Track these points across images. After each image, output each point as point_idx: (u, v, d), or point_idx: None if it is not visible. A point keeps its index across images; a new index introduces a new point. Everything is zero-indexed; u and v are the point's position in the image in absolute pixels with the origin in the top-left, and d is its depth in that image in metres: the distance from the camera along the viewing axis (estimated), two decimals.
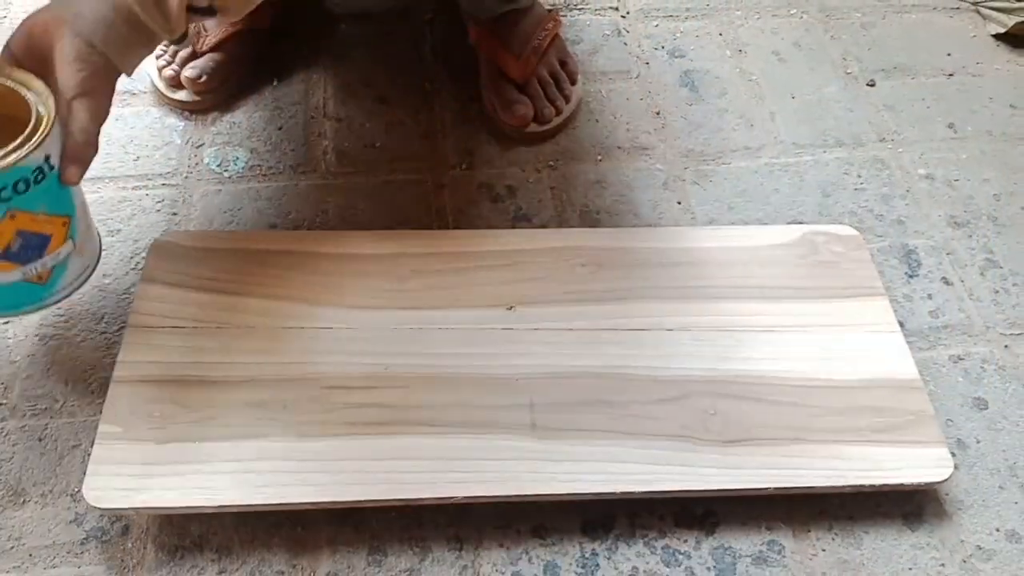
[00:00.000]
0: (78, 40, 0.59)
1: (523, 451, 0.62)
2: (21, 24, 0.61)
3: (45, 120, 0.58)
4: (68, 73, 0.59)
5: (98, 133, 0.61)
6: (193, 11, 0.61)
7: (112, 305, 0.73)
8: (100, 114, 0.62)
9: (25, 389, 0.68)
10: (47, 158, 0.58)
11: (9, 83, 0.60)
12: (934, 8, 1.02)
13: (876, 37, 0.99)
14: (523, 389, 0.65)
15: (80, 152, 0.60)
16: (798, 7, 1.02)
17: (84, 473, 0.60)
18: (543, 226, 0.80)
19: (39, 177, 0.58)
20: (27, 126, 0.57)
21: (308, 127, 0.87)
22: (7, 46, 0.62)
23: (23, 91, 0.59)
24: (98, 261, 0.67)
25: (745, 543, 0.63)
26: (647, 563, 0.62)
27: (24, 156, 0.56)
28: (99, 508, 0.59)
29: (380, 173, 0.84)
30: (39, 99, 0.59)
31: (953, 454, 0.65)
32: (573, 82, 0.89)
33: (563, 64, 0.89)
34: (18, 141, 0.56)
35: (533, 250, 0.74)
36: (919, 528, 0.64)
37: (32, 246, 0.60)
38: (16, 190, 0.57)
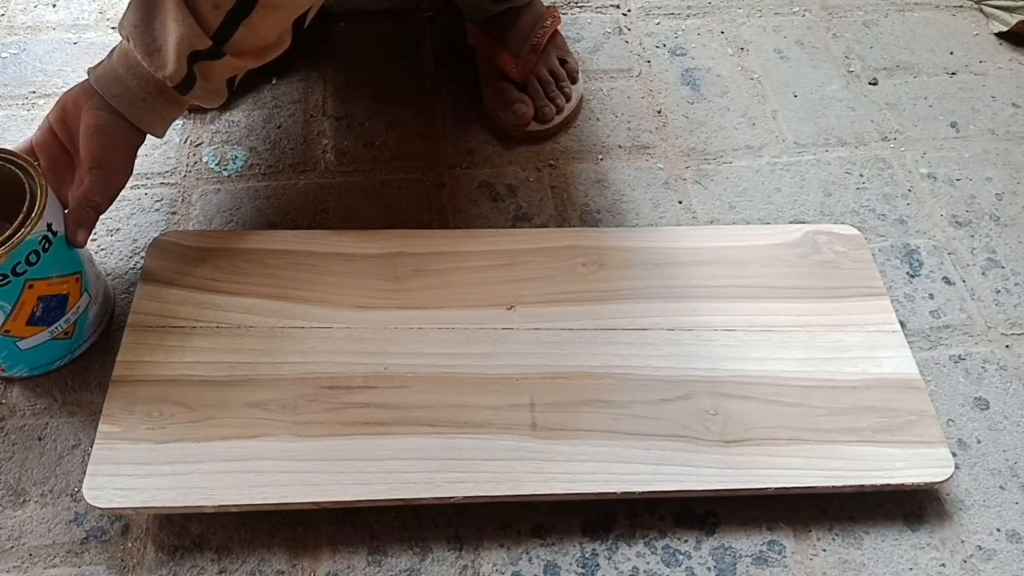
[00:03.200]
0: (99, 112, 0.65)
1: (523, 451, 0.62)
2: (59, 98, 0.67)
3: (39, 192, 0.63)
4: (87, 146, 0.66)
5: (109, 202, 0.67)
6: (197, 57, 0.63)
7: (112, 304, 0.73)
8: (112, 185, 0.68)
9: (25, 389, 0.68)
10: (49, 226, 0.63)
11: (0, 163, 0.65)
12: (937, 6, 1.02)
13: (878, 35, 0.99)
14: (523, 389, 0.65)
15: (86, 219, 0.66)
16: (800, 5, 1.01)
17: (84, 473, 0.60)
18: (543, 225, 0.80)
19: (46, 246, 0.63)
20: (20, 202, 0.62)
21: (307, 126, 0.87)
22: (45, 120, 0.68)
23: (12, 169, 0.64)
24: (113, 305, 0.73)
25: (746, 543, 0.63)
26: (647, 563, 0.62)
27: (30, 230, 0.61)
28: (99, 508, 0.59)
29: (380, 172, 0.84)
30: (27, 175, 0.63)
31: (954, 454, 0.64)
32: (573, 80, 0.88)
33: (563, 62, 0.88)
34: (20, 219, 0.61)
35: (533, 249, 0.74)
36: (920, 528, 0.64)
37: (53, 307, 0.65)
38: (29, 262, 0.62)
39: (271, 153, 0.85)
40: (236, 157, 0.84)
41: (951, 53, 0.97)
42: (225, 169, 0.83)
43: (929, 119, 0.91)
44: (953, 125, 0.90)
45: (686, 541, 0.63)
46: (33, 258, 0.62)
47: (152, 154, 0.84)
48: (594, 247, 0.74)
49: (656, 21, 0.99)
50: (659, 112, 0.90)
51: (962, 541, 0.63)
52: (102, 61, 0.66)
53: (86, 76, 0.67)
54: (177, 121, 0.87)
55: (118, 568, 0.60)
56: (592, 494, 0.61)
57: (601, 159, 0.86)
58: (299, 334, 0.68)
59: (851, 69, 0.95)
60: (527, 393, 0.65)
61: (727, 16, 1.00)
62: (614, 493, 0.61)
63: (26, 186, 0.63)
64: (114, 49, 0.66)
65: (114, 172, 0.67)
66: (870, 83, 0.94)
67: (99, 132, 0.65)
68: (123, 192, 0.81)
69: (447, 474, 0.61)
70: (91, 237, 0.77)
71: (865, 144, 0.88)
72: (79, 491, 0.62)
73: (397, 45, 0.95)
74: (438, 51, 0.94)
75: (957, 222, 0.82)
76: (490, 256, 0.74)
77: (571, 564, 0.61)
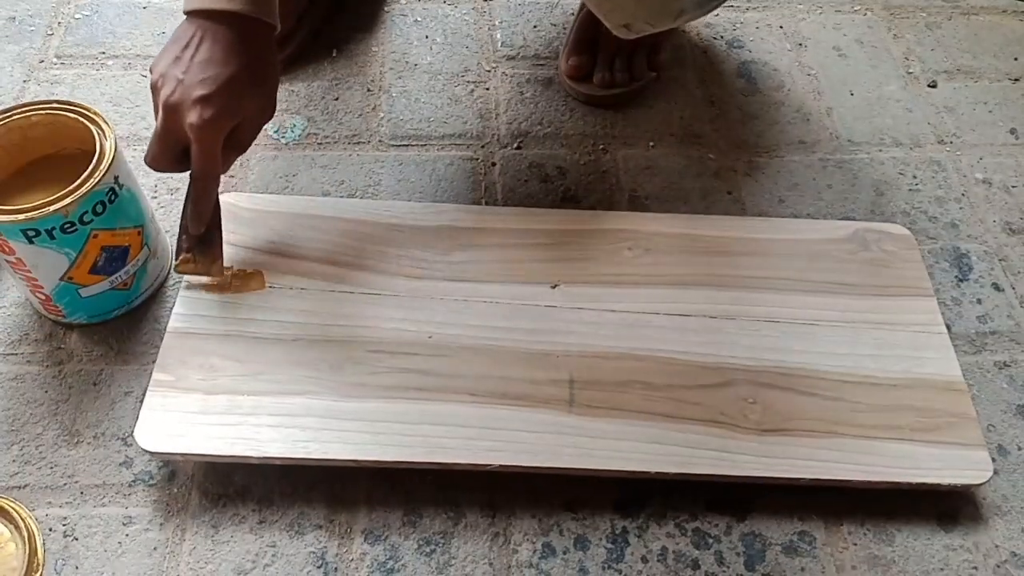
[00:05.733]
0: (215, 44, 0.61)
1: (560, 425, 0.63)
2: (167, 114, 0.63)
3: (109, 146, 0.65)
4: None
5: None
6: None
7: (169, 260, 0.76)
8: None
9: (83, 335, 0.71)
10: (116, 179, 0.65)
11: (71, 115, 0.67)
12: (1003, 11, 1.00)
13: (940, 37, 0.97)
14: (563, 365, 0.66)
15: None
16: (862, 4, 1.00)
17: (135, 419, 0.63)
18: (591, 208, 0.81)
19: (112, 197, 0.65)
20: (92, 156, 0.64)
21: (365, 99, 0.89)
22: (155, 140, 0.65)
23: (86, 123, 0.66)
24: (170, 262, 0.75)
25: (776, 532, 0.63)
26: (677, 544, 0.62)
27: (98, 182, 0.63)
28: (149, 451, 0.61)
29: (433, 148, 0.85)
30: (99, 129, 0.66)
31: (993, 459, 0.64)
32: (652, 69, 0.89)
33: (656, 51, 0.89)
34: (89, 170, 0.63)
35: (580, 231, 0.75)
36: (953, 530, 0.63)
37: (115, 258, 0.68)
38: (95, 212, 0.64)
39: (328, 124, 0.87)
40: (294, 126, 0.86)
41: (1015, 59, 0.95)
42: (283, 137, 0.85)
43: (988, 124, 0.89)
44: (1012, 132, 0.89)
45: (716, 525, 0.63)
46: (99, 208, 0.64)
47: None
48: (641, 232, 0.75)
49: (714, 12, 0.98)
50: (712, 103, 0.90)
51: (996, 546, 0.63)
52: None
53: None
54: None
55: (163, 512, 0.63)
56: (626, 472, 0.62)
57: (652, 146, 0.86)
58: (348, 298, 0.69)
59: (910, 71, 0.94)
60: (567, 370, 0.66)
61: (787, 11, 0.99)
62: (648, 472, 0.62)
63: (95, 138, 0.65)
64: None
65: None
66: (929, 85, 0.93)
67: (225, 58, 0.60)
68: None
69: (484, 442, 0.62)
70: (152, 195, 0.80)
71: (920, 146, 0.87)
72: (130, 435, 0.64)
73: (457, 25, 0.96)
74: (499, 30, 0.95)
75: (1011, 229, 0.81)
76: (537, 235, 0.75)
77: (601, 539, 0.62)
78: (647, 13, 0.68)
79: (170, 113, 0.61)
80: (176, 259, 0.69)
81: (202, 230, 0.67)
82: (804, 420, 0.64)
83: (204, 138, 0.61)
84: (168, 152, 0.63)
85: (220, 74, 0.60)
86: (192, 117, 0.60)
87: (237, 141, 0.64)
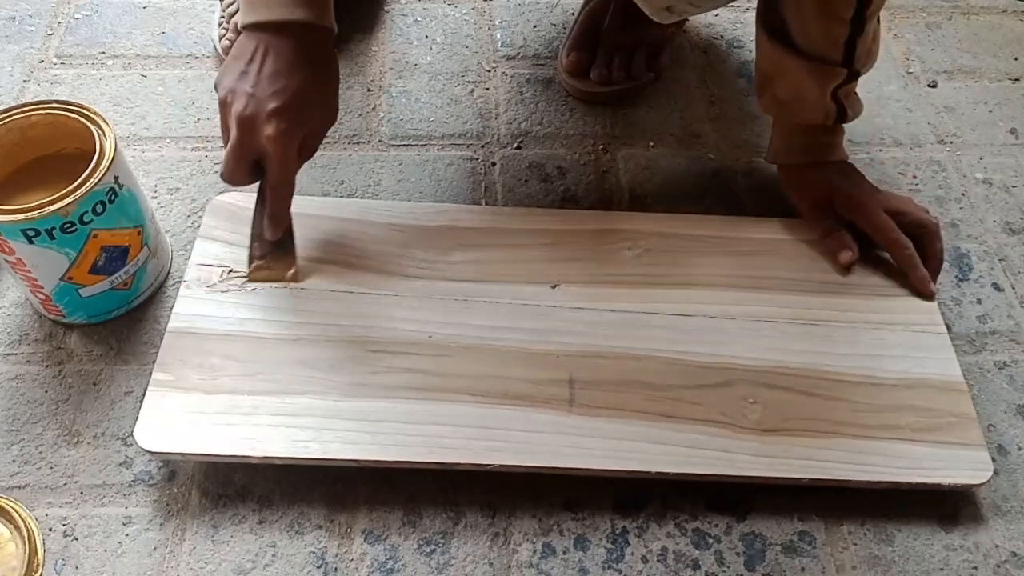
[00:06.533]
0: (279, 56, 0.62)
1: (560, 425, 0.63)
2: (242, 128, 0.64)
3: (109, 146, 0.65)
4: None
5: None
6: None
7: (169, 260, 0.76)
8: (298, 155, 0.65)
9: (83, 335, 0.71)
10: (116, 179, 0.65)
11: (71, 115, 0.67)
12: (1003, 11, 1.00)
13: (940, 38, 0.97)
14: (563, 365, 0.66)
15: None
16: None
17: (135, 418, 0.63)
18: (591, 208, 0.81)
19: (112, 197, 0.65)
20: (92, 156, 0.64)
21: (365, 99, 0.89)
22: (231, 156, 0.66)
23: (86, 123, 0.66)
24: (170, 261, 0.75)
25: (776, 532, 0.63)
26: (677, 544, 0.62)
27: (98, 182, 0.63)
28: (149, 451, 0.61)
29: (433, 148, 0.85)
30: (99, 129, 0.66)
31: (993, 459, 0.64)
32: (651, 70, 0.89)
33: (657, 52, 0.89)
34: (88, 170, 0.63)
35: (580, 231, 0.75)
36: (953, 530, 0.63)
37: (115, 258, 0.68)
38: (95, 212, 0.64)
39: None
40: None
41: (1015, 59, 0.95)
42: None
43: (988, 124, 0.89)
44: (1012, 131, 0.89)
45: (716, 525, 0.63)
46: (99, 208, 0.64)
47: (214, 118, 0.86)
48: (641, 231, 0.75)
49: (714, 13, 0.98)
50: (712, 103, 0.90)
51: (996, 546, 0.63)
52: (243, 28, 0.63)
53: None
54: None
55: (163, 512, 0.63)
56: (626, 471, 0.62)
57: (652, 146, 0.86)
58: (348, 298, 0.69)
59: (910, 70, 0.94)
60: (567, 370, 0.66)
61: None
62: (648, 472, 0.62)
63: (95, 138, 0.65)
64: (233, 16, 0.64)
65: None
66: (929, 85, 0.93)
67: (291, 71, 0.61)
68: (184, 153, 0.84)
69: (484, 442, 0.62)
70: (152, 195, 0.80)
71: (920, 146, 0.87)
72: (130, 435, 0.64)
73: (457, 24, 0.96)
74: (499, 30, 0.95)
75: (1011, 229, 0.81)
76: (537, 235, 0.75)
77: (601, 539, 0.62)
78: None
79: (245, 127, 0.62)
80: (248, 266, 0.69)
81: (280, 235, 0.68)
82: (804, 420, 0.64)
83: (281, 148, 0.62)
84: (244, 165, 0.64)
85: (290, 84, 0.61)
86: (268, 129, 0.61)
87: (307, 147, 0.66)
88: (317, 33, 0.63)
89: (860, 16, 0.67)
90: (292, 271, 0.69)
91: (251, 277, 0.69)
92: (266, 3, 0.61)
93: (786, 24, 0.71)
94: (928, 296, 0.71)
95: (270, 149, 0.62)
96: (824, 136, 0.75)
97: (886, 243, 0.72)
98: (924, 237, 0.72)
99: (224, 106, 0.63)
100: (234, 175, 0.64)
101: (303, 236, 0.72)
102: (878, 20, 0.70)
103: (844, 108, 0.72)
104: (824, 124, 0.74)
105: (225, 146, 0.64)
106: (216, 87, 0.64)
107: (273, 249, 0.69)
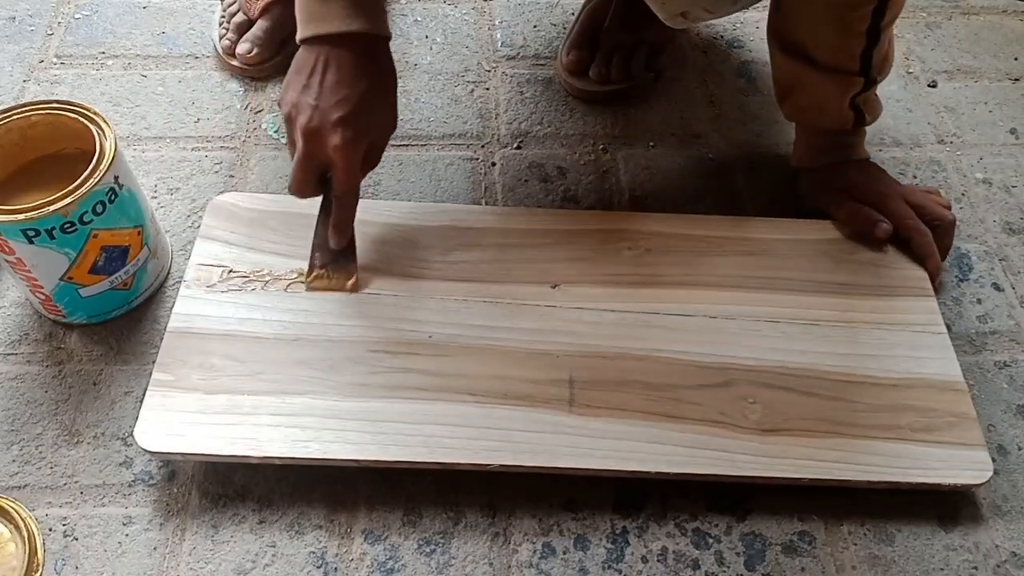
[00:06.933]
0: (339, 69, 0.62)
1: (560, 425, 0.63)
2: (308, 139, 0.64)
3: (109, 146, 0.65)
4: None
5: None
6: None
7: (169, 260, 0.76)
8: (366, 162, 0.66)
9: (83, 335, 0.71)
10: (116, 179, 0.65)
11: (71, 115, 0.67)
12: (1003, 11, 1.00)
13: (940, 38, 0.97)
14: (563, 365, 0.66)
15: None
16: None
17: (135, 419, 0.63)
18: (591, 208, 0.81)
19: (112, 197, 0.65)
20: (92, 156, 0.64)
21: None
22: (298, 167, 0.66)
23: (86, 123, 0.66)
24: (170, 261, 0.75)
25: (776, 532, 0.63)
26: (677, 544, 0.62)
27: (98, 182, 0.63)
28: (149, 451, 0.61)
29: (433, 148, 0.85)
30: (99, 129, 0.66)
31: (993, 459, 0.64)
32: (651, 71, 0.89)
33: (657, 51, 0.89)
34: (88, 170, 0.63)
35: (580, 231, 0.75)
36: (953, 530, 0.63)
37: (115, 258, 0.68)
38: (95, 212, 0.64)
39: None
40: None
41: (1015, 59, 0.95)
42: (283, 136, 0.85)
43: (988, 124, 0.89)
44: (1012, 131, 0.89)
45: (716, 525, 0.63)
46: (99, 208, 0.64)
47: (213, 119, 0.86)
48: (641, 231, 0.75)
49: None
50: (712, 103, 0.90)
51: (996, 546, 0.63)
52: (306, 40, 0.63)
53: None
54: (239, 88, 0.89)
55: (163, 512, 0.63)
56: (625, 471, 0.62)
57: (652, 146, 0.86)
58: (347, 298, 0.69)
59: (910, 70, 0.94)
60: (567, 370, 0.66)
61: None
62: (647, 472, 0.62)
63: (95, 138, 0.65)
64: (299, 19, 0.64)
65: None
66: (929, 85, 0.93)
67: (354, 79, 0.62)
68: (184, 153, 0.84)
69: (484, 442, 0.62)
70: (152, 195, 0.80)
71: (920, 146, 0.87)
72: (130, 436, 0.64)
73: (457, 24, 0.96)
74: (499, 30, 0.95)
75: (1011, 229, 0.81)
76: (537, 235, 0.75)
77: (601, 539, 0.62)
78: (709, 0, 0.68)
79: (311, 139, 0.62)
80: (308, 275, 0.69)
81: (344, 245, 0.68)
82: (804, 420, 0.64)
83: (346, 157, 0.63)
84: (311, 177, 0.65)
85: (352, 93, 0.62)
86: (335, 140, 0.61)
87: (370, 156, 0.66)
88: (375, 41, 0.64)
89: (875, 28, 0.68)
90: (352, 280, 0.69)
91: (310, 286, 0.69)
92: (324, 16, 0.61)
93: (799, 38, 0.71)
94: (934, 273, 0.73)
95: (336, 159, 0.63)
96: (846, 138, 0.77)
97: (905, 230, 0.73)
98: (937, 231, 0.74)
99: (289, 121, 0.63)
100: (301, 187, 0.65)
101: (303, 236, 0.72)
102: (893, 27, 0.71)
103: (863, 113, 0.74)
104: (844, 129, 0.75)
105: (292, 159, 0.65)
106: (279, 104, 0.64)
107: (335, 259, 0.69)
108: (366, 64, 0.63)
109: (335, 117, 0.61)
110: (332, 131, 0.62)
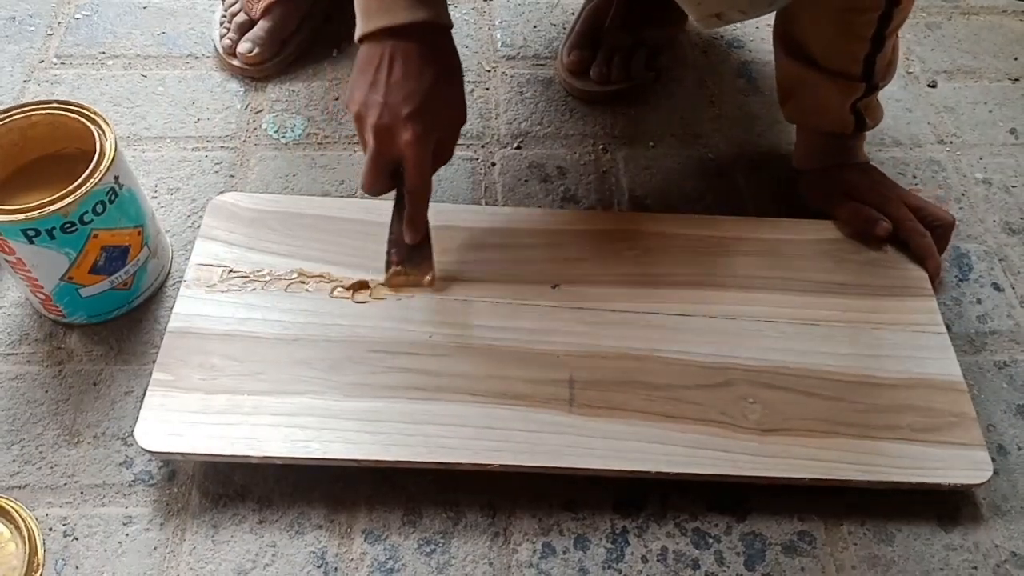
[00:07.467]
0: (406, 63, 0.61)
1: (560, 425, 0.63)
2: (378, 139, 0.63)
3: (109, 146, 0.65)
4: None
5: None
6: None
7: (169, 260, 0.76)
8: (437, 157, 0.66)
9: (83, 335, 0.71)
10: (116, 179, 0.65)
11: (71, 115, 0.67)
12: (1003, 11, 1.00)
13: (940, 38, 0.97)
14: (563, 365, 0.66)
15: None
16: None
17: (135, 418, 0.62)
18: (591, 208, 0.81)
19: (112, 197, 0.65)
20: (92, 156, 0.64)
21: None
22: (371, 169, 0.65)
23: (86, 123, 0.66)
24: (170, 261, 0.75)
25: (776, 531, 0.63)
26: (677, 544, 0.62)
27: (98, 181, 0.63)
28: (149, 451, 0.61)
29: None
30: (99, 129, 0.66)
31: (993, 459, 0.64)
32: (652, 70, 0.89)
33: (656, 53, 0.89)
34: (89, 170, 0.63)
35: (580, 231, 0.75)
36: (953, 530, 0.63)
37: (115, 258, 0.68)
38: (95, 212, 0.64)
39: (328, 124, 0.87)
40: (295, 125, 0.86)
41: (1015, 59, 0.95)
42: (283, 136, 0.85)
43: (988, 124, 0.89)
44: (1012, 132, 0.89)
45: (716, 525, 0.63)
46: (99, 208, 0.64)
47: (214, 118, 0.86)
48: (640, 231, 0.75)
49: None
50: (712, 103, 0.90)
51: (996, 546, 0.63)
52: (369, 36, 0.62)
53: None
54: (239, 88, 0.89)
55: (163, 512, 0.63)
56: (626, 471, 0.62)
57: (652, 146, 0.86)
58: (348, 298, 0.69)
59: (910, 70, 0.94)
60: (567, 370, 0.66)
61: None
62: (647, 472, 0.62)
63: (95, 138, 0.65)
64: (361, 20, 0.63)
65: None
66: (929, 85, 0.93)
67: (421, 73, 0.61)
68: (184, 153, 0.84)
69: (484, 442, 0.62)
70: (152, 195, 0.80)
71: (920, 146, 0.88)
72: (130, 435, 0.64)
73: (457, 24, 0.96)
74: (498, 30, 0.95)
75: (1011, 229, 0.81)
76: (537, 235, 0.74)
77: (601, 539, 0.62)
78: (744, 1, 0.68)
79: (383, 136, 0.62)
80: (386, 272, 0.69)
81: (419, 239, 0.68)
82: (804, 420, 0.64)
83: (418, 152, 0.62)
84: (383, 174, 0.64)
85: (420, 87, 0.61)
86: (406, 135, 0.61)
87: (441, 149, 0.66)
88: (438, 31, 0.63)
89: (880, 34, 0.68)
90: (430, 276, 0.69)
91: (389, 283, 0.69)
92: (385, 8, 0.61)
93: (804, 41, 0.71)
94: (934, 273, 0.73)
95: (407, 154, 0.62)
96: (847, 141, 0.77)
97: (905, 231, 0.73)
98: (936, 232, 0.74)
99: (359, 120, 0.63)
100: (374, 185, 0.65)
101: (303, 236, 0.73)
102: (897, 34, 0.71)
103: (864, 118, 0.74)
104: (844, 133, 0.75)
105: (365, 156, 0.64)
106: (347, 105, 0.64)
107: (411, 255, 0.69)
108: (432, 55, 0.62)
109: (405, 112, 0.61)
110: (403, 127, 0.61)
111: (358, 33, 0.62)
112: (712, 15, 0.69)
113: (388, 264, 0.70)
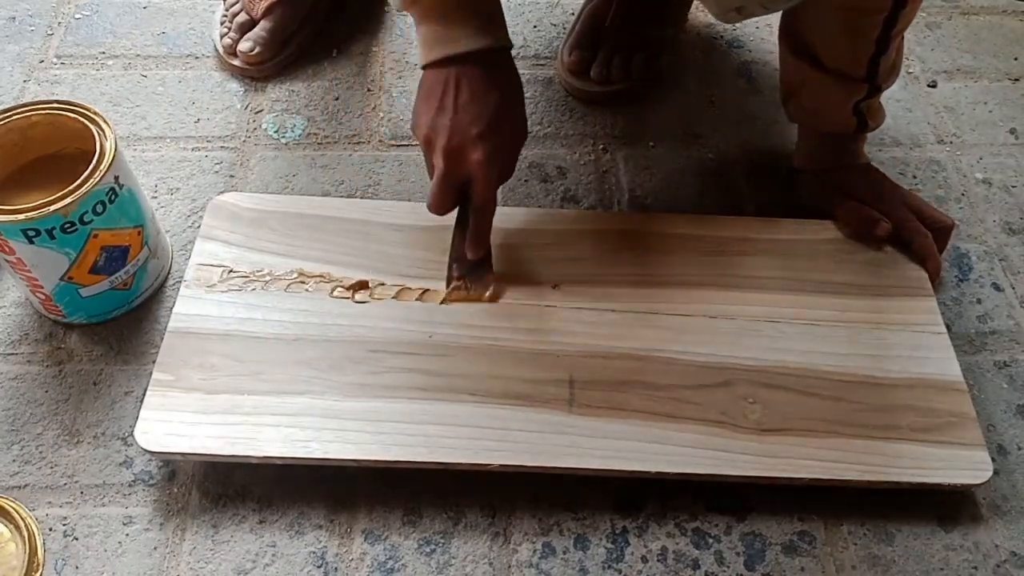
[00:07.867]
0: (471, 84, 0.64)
1: (560, 425, 0.63)
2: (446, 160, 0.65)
3: (109, 146, 0.65)
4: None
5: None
6: None
7: (169, 260, 0.76)
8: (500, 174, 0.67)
9: (83, 335, 0.71)
10: (116, 179, 0.65)
11: (71, 115, 0.67)
12: (1003, 11, 1.00)
13: (940, 38, 0.97)
14: (563, 365, 0.66)
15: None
16: None
17: (136, 418, 0.63)
18: (591, 208, 0.81)
19: (112, 197, 0.65)
20: (92, 156, 0.64)
21: (365, 99, 0.89)
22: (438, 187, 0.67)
23: (86, 123, 0.66)
24: (170, 261, 0.75)
25: (776, 531, 0.63)
26: (677, 544, 0.62)
27: (98, 182, 0.63)
28: (149, 451, 0.61)
29: None
30: (99, 129, 0.66)
31: (993, 459, 0.64)
32: (652, 70, 0.89)
33: (655, 56, 0.89)
34: (89, 170, 0.63)
35: (580, 231, 0.75)
36: (953, 530, 0.63)
37: (115, 258, 0.68)
38: (95, 212, 0.64)
39: (328, 123, 0.87)
40: (295, 125, 0.86)
41: (1015, 59, 0.95)
42: (283, 136, 0.86)
43: (988, 124, 0.89)
44: (1012, 132, 0.89)
45: (716, 525, 0.63)
46: (99, 208, 0.64)
47: (214, 118, 0.86)
48: (640, 231, 0.75)
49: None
50: (712, 103, 0.90)
51: (996, 546, 0.63)
52: (432, 65, 0.65)
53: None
54: (239, 88, 0.89)
55: (163, 512, 0.63)
56: (625, 471, 0.62)
57: (652, 146, 0.86)
58: (348, 298, 0.69)
59: (910, 70, 0.94)
60: (567, 370, 0.66)
61: None
62: (647, 472, 0.62)
63: (95, 138, 0.65)
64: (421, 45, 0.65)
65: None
66: (929, 85, 0.93)
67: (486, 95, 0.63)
68: (184, 153, 0.84)
69: (484, 442, 0.62)
70: (152, 195, 0.80)
71: (920, 146, 0.88)
72: (130, 435, 0.64)
73: None
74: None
75: (1011, 229, 0.81)
76: (537, 235, 0.75)
77: (601, 539, 0.62)
78: None
79: (453, 158, 0.64)
80: (447, 287, 0.70)
81: (482, 255, 0.69)
82: (804, 420, 0.64)
83: (485, 170, 0.64)
84: (451, 194, 0.66)
85: (485, 109, 0.63)
86: (475, 155, 0.63)
87: (504, 166, 0.67)
88: (499, 54, 0.65)
89: (886, 36, 0.68)
90: (490, 291, 0.70)
91: (449, 298, 0.69)
92: (450, 38, 0.63)
93: (810, 41, 0.71)
94: (934, 274, 0.73)
95: (476, 173, 0.64)
96: (848, 142, 0.77)
97: (907, 232, 0.74)
98: (936, 233, 0.74)
99: (427, 143, 0.65)
100: (443, 205, 0.66)
101: (303, 236, 0.73)
102: (902, 36, 0.71)
103: (866, 120, 0.74)
104: (845, 133, 0.75)
105: (431, 178, 0.66)
106: (413, 130, 0.66)
107: (472, 269, 0.69)
108: (494, 77, 0.64)
109: (473, 134, 0.63)
110: (472, 148, 0.63)
111: (422, 61, 0.65)
112: (733, 9, 0.69)
113: (449, 280, 0.70)
